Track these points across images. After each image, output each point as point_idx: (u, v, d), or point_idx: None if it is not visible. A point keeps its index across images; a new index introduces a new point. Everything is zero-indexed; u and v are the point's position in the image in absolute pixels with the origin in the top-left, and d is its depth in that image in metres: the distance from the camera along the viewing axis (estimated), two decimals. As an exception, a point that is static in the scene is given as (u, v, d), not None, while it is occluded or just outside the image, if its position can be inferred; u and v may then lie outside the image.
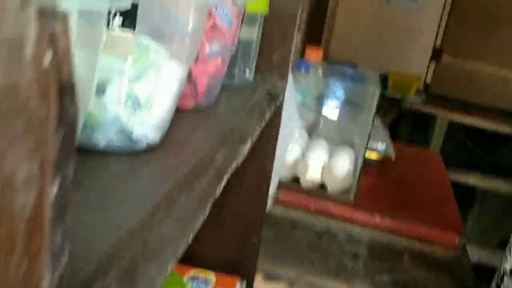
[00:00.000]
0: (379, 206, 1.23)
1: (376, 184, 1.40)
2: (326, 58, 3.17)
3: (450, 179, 2.72)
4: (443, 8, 3.08)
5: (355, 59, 3.15)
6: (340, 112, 1.46)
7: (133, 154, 0.41)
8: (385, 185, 1.39)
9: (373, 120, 1.55)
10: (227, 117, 0.60)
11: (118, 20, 0.37)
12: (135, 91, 0.40)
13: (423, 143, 3.01)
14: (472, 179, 2.79)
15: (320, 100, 1.47)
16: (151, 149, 0.42)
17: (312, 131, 1.40)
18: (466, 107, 2.99)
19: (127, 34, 0.38)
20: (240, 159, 0.53)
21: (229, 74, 0.72)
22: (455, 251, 1.18)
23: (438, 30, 3.12)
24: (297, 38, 1.68)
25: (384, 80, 3.07)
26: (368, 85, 1.49)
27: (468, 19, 3.03)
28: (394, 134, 3.14)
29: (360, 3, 3.15)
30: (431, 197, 1.35)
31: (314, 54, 1.49)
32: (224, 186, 0.46)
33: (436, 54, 3.16)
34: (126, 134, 0.40)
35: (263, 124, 0.66)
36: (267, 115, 0.69)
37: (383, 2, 3.13)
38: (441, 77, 3.16)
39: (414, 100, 3.01)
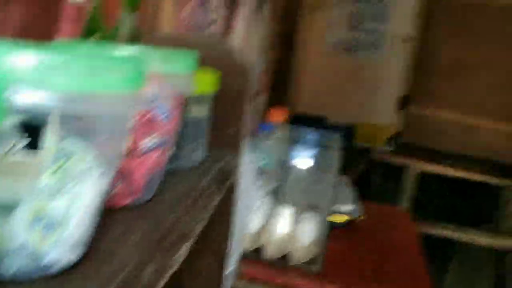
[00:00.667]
0: (347, 277, 1.20)
1: (344, 250, 1.36)
2: (294, 113, 3.20)
3: (426, 232, 2.72)
4: (408, 58, 3.15)
5: (324, 111, 3.19)
6: (305, 174, 1.44)
7: (48, 279, 0.37)
8: (353, 251, 1.36)
9: (337, 182, 1.54)
10: (167, 212, 0.56)
11: (21, 142, 0.34)
12: (49, 210, 0.36)
13: (395, 194, 3.01)
14: (448, 231, 2.79)
15: (284, 163, 1.46)
16: (68, 269, 0.38)
17: (277, 195, 1.38)
18: (436, 156, 3.02)
19: (31, 157, 0.35)
20: (178, 261, 0.50)
21: (177, 157, 0.69)
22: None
23: (404, 79, 3.19)
24: (259, 100, 1.68)
25: (352, 131, 3.11)
26: (331, 148, 1.49)
27: (433, 67, 3.11)
28: (365, 185, 3.15)
29: (325, 56, 3.21)
30: (401, 263, 1.32)
31: (278, 116, 1.49)
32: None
33: (404, 103, 3.21)
34: (37, 259, 0.36)
35: (210, 212, 0.63)
36: (216, 201, 0.67)
37: (349, 55, 3.19)
38: (410, 126, 3.20)
39: (383, 150, 3.04)
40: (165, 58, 0.54)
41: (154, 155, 0.56)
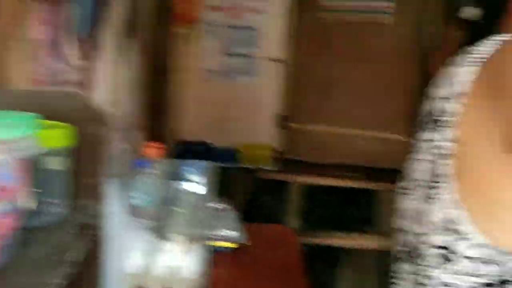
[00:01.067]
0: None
1: (230, 276, 1.41)
2: (178, 141, 3.22)
3: (315, 242, 2.86)
4: (281, 79, 3.31)
5: (208, 137, 3.25)
6: (187, 205, 1.47)
7: None
8: (239, 277, 1.41)
9: (221, 209, 1.59)
10: (27, 275, 0.57)
11: None
12: None
13: (284, 210, 3.13)
14: (335, 239, 2.95)
15: (165, 197, 1.48)
16: None
17: (160, 231, 1.39)
18: (319, 168, 3.19)
19: None
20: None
21: (38, 213, 0.70)
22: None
23: (281, 99, 3.33)
24: (137, 137, 1.68)
25: (236, 153, 3.19)
26: (213, 176, 1.54)
27: (306, 85, 3.28)
28: (255, 205, 3.25)
29: (203, 83, 3.27)
30: (283, 284, 1.39)
31: (154, 152, 1.49)
32: None
33: (283, 122, 3.35)
34: None
35: (76, 268, 0.65)
36: (82, 254, 0.68)
37: (225, 80, 3.28)
38: (291, 142, 3.35)
39: (268, 169, 3.15)
40: (2, 124, 0.56)
41: (5, 221, 0.56)
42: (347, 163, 3.24)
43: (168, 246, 1.29)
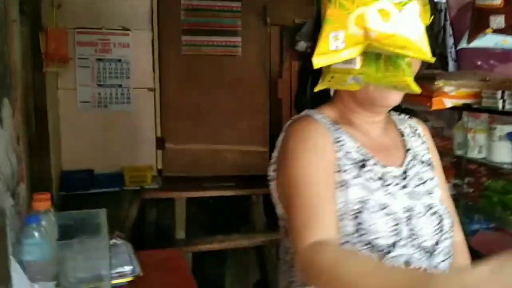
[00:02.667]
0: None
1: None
2: (61, 171, 3.05)
3: (200, 250, 2.88)
4: (155, 106, 3.29)
5: (91, 165, 3.12)
6: (78, 250, 1.41)
7: None
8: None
9: (112, 245, 1.54)
10: None
11: None
12: None
13: (170, 224, 3.11)
14: (217, 244, 3.00)
15: (56, 248, 1.39)
16: None
17: (60, 279, 1.32)
18: (197, 183, 3.22)
19: None
20: None
21: None
22: None
23: (156, 123, 3.31)
24: (20, 190, 1.55)
25: (121, 177, 3.10)
26: (98, 216, 1.48)
27: (178, 111, 3.30)
28: (142, 223, 3.19)
29: (80, 114, 3.14)
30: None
31: (42, 205, 1.39)
32: None
33: (160, 144, 3.33)
34: None
35: None
36: None
37: (102, 109, 3.18)
38: (169, 162, 3.34)
39: (152, 188, 3.11)
40: None
41: None
42: (220, 175, 3.33)
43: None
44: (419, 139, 1.08)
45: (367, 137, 1.00)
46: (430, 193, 0.99)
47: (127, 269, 1.51)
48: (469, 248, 1.69)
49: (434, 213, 0.96)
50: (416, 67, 0.96)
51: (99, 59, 3.15)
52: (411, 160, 1.02)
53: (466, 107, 1.65)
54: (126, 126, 3.24)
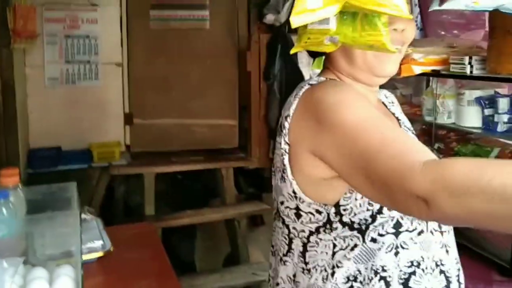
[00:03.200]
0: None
1: (102, 285, 1.35)
2: (29, 149, 2.94)
3: (171, 225, 2.84)
4: (122, 81, 3.19)
5: (58, 142, 3.03)
6: (48, 226, 1.35)
7: None
8: (111, 283, 1.36)
9: (82, 221, 1.49)
10: None
11: None
12: None
13: (140, 201, 3.06)
14: (188, 219, 2.97)
15: (28, 223, 1.33)
16: None
17: (29, 256, 1.26)
18: (166, 157, 3.17)
19: None
20: None
21: None
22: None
23: (124, 99, 3.22)
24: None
25: (89, 154, 3.02)
26: (67, 190, 1.43)
27: (146, 85, 3.21)
28: (111, 200, 3.12)
29: (48, 90, 3.05)
30: (154, 279, 1.38)
31: (9, 180, 1.33)
32: None
33: (128, 119, 3.25)
34: None
35: None
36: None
37: (70, 86, 3.07)
38: (138, 137, 3.27)
39: (120, 164, 3.04)
40: None
41: None
42: (189, 149, 3.28)
43: (39, 272, 1.18)
44: (398, 107, 1.08)
45: None
46: None
47: (97, 244, 1.47)
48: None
49: None
50: (411, 33, 0.92)
51: (67, 36, 3.08)
52: (403, 128, 1.01)
53: (435, 74, 1.65)
54: (94, 102, 3.18)
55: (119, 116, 3.24)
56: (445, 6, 1.36)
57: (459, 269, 0.94)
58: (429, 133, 1.77)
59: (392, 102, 1.08)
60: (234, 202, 3.20)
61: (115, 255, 1.48)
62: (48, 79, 3.06)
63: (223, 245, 3.19)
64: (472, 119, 1.55)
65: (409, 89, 1.89)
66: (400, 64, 1.60)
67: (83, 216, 1.57)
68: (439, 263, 0.89)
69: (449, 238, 0.93)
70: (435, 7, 1.38)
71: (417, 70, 1.65)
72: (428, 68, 1.66)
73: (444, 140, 1.71)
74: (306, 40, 0.91)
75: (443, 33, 2.14)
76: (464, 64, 1.54)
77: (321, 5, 0.83)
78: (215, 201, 3.31)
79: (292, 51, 0.94)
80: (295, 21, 0.83)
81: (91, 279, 1.33)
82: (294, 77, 2.82)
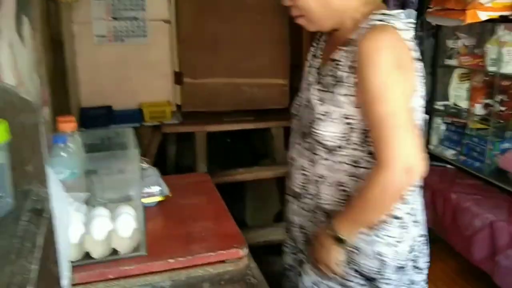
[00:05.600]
0: (170, 248, 1.26)
1: (162, 227, 1.43)
2: (81, 108, 3.06)
3: (223, 181, 2.92)
4: (171, 38, 3.23)
5: (109, 101, 3.12)
6: (109, 171, 1.43)
7: None
8: (170, 225, 1.42)
9: (140, 168, 1.56)
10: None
11: None
12: None
13: (191, 159, 3.15)
14: (240, 176, 3.03)
15: (87, 167, 1.41)
16: None
17: (90, 199, 1.35)
18: (216, 117, 3.22)
19: None
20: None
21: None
22: (243, 262, 1.29)
23: (173, 57, 3.27)
24: (44, 113, 1.56)
25: (140, 113, 3.11)
26: (124, 137, 1.49)
27: (195, 43, 3.24)
28: (164, 159, 3.22)
29: (96, 48, 3.10)
30: (211, 221, 1.43)
31: (67, 126, 1.40)
32: None
33: (178, 78, 3.30)
34: None
35: (40, 253, 0.62)
36: (40, 240, 0.65)
37: (117, 43, 3.13)
38: (188, 97, 3.33)
39: (171, 123, 3.12)
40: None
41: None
42: (239, 109, 3.31)
43: (102, 212, 1.26)
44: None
45: None
46: None
47: (156, 190, 1.54)
48: (498, 168, 1.67)
49: None
50: None
51: None
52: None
53: (502, 19, 1.58)
54: (143, 60, 3.20)
55: (168, 75, 3.27)
56: None
57: None
58: (491, 85, 1.71)
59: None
60: (285, 161, 3.22)
61: (173, 200, 1.55)
62: (96, 36, 3.09)
63: (273, 204, 3.25)
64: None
65: (472, 39, 1.82)
66: (465, 10, 1.56)
67: (142, 162, 1.64)
68: None
69: None
70: None
71: (483, 16, 1.58)
72: (495, 14, 1.59)
73: (507, 92, 1.64)
74: None
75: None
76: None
77: None
78: (265, 162, 3.36)
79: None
80: None
81: (151, 221, 1.40)
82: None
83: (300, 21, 1.18)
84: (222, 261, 1.27)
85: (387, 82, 1.01)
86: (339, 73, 1.10)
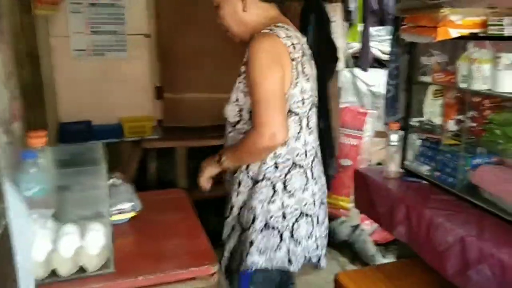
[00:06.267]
0: (140, 266, 1.25)
1: (133, 244, 1.41)
2: (59, 124, 3.03)
3: (204, 197, 2.90)
4: (151, 53, 3.24)
5: (89, 115, 3.10)
6: (79, 188, 1.41)
7: None
8: (141, 242, 1.41)
9: (112, 184, 1.55)
10: None
11: None
12: None
13: (172, 174, 3.13)
14: (220, 192, 3.00)
15: (57, 184, 1.39)
16: None
17: (58, 217, 1.33)
18: (196, 132, 3.22)
19: None
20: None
21: None
22: (214, 279, 1.28)
23: (153, 71, 3.27)
24: (16, 128, 1.55)
25: (120, 128, 3.10)
26: (97, 153, 1.48)
27: (176, 58, 3.24)
28: (143, 174, 3.20)
29: (75, 62, 3.09)
30: (184, 237, 1.43)
31: (37, 141, 1.39)
32: None
33: (159, 93, 3.30)
34: None
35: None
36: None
37: (97, 58, 3.13)
38: (168, 111, 3.32)
39: (152, 138, 3.11)
40: None
41: None
42: (220, 124, 3.29)
43: (70, 228, 1.25)
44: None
45: None
46: None
47: (127, 206, 1.52)
48: (470, 183, 1.69)
49: None
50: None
51: (92, 4, 3.06)
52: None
53: (471, 36, 1.62)
54: (122, 74, 3.19)
55: (149, 89, 3.27)
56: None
57: None
58: (463, 101, 1.74)
59: None
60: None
61: (146, 217, 1.54)
62: (75, 50, 3.07)
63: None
64: (508, 84, 1.51)
65: (445, 56, 1.85)
66: (436, 27, 1.59)
67: (113, 180, 1.63)
68: None
69: None
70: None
71: (454, 33, 1.61)
72: (466, 31, 1.62)
73: (478, 108, 1.67)
74: None
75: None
76: (502, 25, 1.49)
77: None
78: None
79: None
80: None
81: (122, 237, 1.38)
82: (328, 48, 2.80)
83: (228, 34, 1.61)
84: (193, 278, 1.27)
85: (262, 74, 1.35)
86: (241, 68, 1.47)
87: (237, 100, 1.50)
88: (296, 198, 1.49)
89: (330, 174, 2.82)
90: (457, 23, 1.61)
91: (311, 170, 1.53)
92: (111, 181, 1.59)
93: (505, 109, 1.63)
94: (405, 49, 2.09)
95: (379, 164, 3.05)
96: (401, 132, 2.00)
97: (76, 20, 3.05)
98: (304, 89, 1.46)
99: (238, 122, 1.52)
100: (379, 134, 3.19)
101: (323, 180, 1.62)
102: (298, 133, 1.47)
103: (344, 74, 3.35)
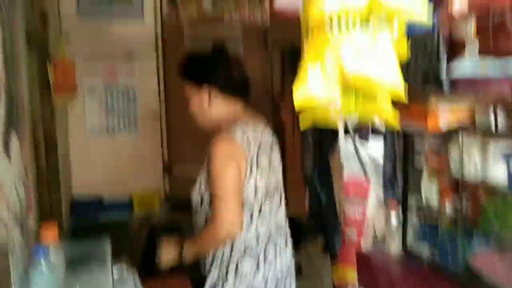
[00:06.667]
0: None
1: None
2: (73, 200, 3.12)
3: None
4: (161, 129, 3.37)
5: (101, 190, 3.19)
6: (87, 279, 1.46)
7: None
8: None
9: (117, 273, 1.60)
10: None
11: None
12: None
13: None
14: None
15: (66, 278, 1.44)
16: None
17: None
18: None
19: None
20: None
21: None
22: None
23: (162, 148, 3.39)
24: (30, 221, 1.61)
25: (130, 204, 3.18)
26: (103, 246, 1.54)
27: (184, 134, 3.37)
28: (152, 249, 3.22)
29: (89, 141, 3.24)
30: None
31: (50, 235, 1.44)
32: None
33: (167, 167, 3.40)
34: None
35: None
36: None
37: (110, 136, 3.27)
38: (177, 185, 3.40)
39: (160, 213, 3.17)
40: None
41: None
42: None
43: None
44: None
45: None
46: None
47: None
48: (471, 270, 1.70)
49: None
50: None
51: (106, 88, 3.29)
52: None
53: (461, 128, 1.68)
54: (133, 151, 3.33)
55: (157, 165, 3.40)
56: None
57: None
58: (458, 185, 1.78)
59: None
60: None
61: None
62: (89, 129, 3.27)
63: None
64: (499, 173, 1.55)
65: (437, 141, 1.91)
66: (426, 118, 1.67)
67: (119, 271, 1.67)
68: None
69: None
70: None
71: (444, 125, 1.67)
72: (454, 123, 1.68)
73: (472, 195, 1.71)
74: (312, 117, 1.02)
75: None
76: (488, 118, 1.55)
77: (324, 95, 0.93)
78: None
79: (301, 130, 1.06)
80: (298, 105, 0.94)
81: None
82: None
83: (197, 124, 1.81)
84: None
85: (219, 173, 1.55)
86: (205, 161, 1.64)
87: (200, 187, 1.69)
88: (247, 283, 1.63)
89: (335, 249, 2.83)
90: (445, 115, 1.68)
91: (264, 255, 1.66)
92: (115, 271, 1.62)
93: (499, 195, 1.67)
94: (400, 133, 2.15)
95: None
96: (400, 213, 2.04)
97: (91, 102, 3.26)
98: (257, 182, 1.63)
99: (201, 205, 1.70)
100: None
101: (284, 260, 1.73)
102: (250, 223, 1.63)
103: (345, 144, 3.42)
